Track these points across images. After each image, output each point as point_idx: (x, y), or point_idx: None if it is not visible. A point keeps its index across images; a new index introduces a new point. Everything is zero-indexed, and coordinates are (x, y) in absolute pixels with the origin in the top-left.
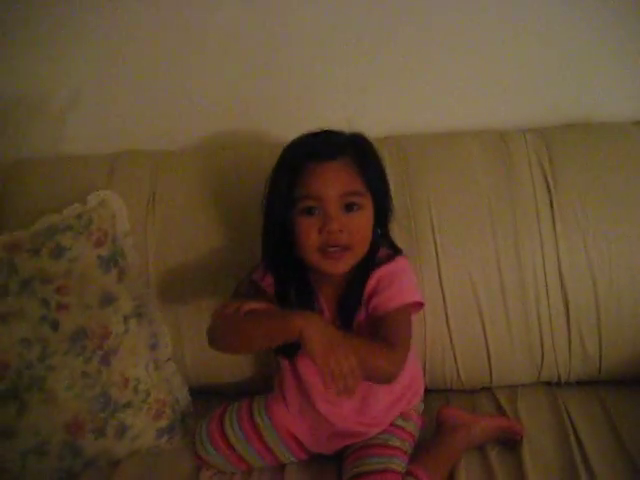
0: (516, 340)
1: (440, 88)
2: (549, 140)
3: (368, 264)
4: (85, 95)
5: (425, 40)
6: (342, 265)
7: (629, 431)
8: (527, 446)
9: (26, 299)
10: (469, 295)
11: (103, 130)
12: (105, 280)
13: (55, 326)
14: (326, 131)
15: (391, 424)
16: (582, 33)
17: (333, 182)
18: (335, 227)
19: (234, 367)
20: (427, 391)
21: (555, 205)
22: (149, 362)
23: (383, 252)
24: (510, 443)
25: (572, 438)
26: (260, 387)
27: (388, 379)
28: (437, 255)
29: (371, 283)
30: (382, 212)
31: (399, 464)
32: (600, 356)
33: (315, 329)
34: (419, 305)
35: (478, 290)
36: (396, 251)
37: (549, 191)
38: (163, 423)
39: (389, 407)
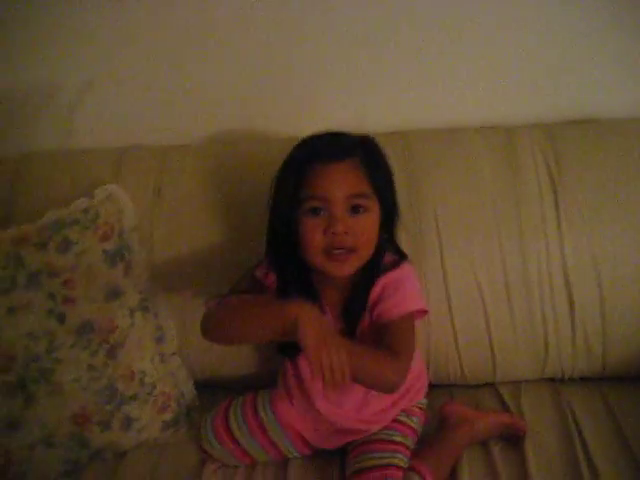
0: (520, 336)
1: (445, 84)
2: (555, 137)
3: (374, 269)
4: (94, 89)
5: (430, 35)
6: (347, 268)
7: (632, 428)
8: (530, 442)
9: (33, 292)
10: (473, 291)
11: (110, 124)
12: (111, 274)
13: (62, 319)
14: (335, 132)
15: (394, 419)
16: (589, 29)
17: (340, 183)
18: (340, 229)
19: (239, 361)
20: (431, 386)
21: (560, 202)
22: (155, 355)
23: (388, 257)
24: (513, 439)
25: (575, 435)
26: (265, 381)
27: (391, 388)
28: (441, 251)
29: (376, 290)
30: (388, 216)
31: (401, 459)
32: (604, 353)
33: (309, 319)
34: (423, 312)
35: (482, 285)
36: (401, 256)
37: (554, 188)
38: (168, 416)
39: (391, 406)
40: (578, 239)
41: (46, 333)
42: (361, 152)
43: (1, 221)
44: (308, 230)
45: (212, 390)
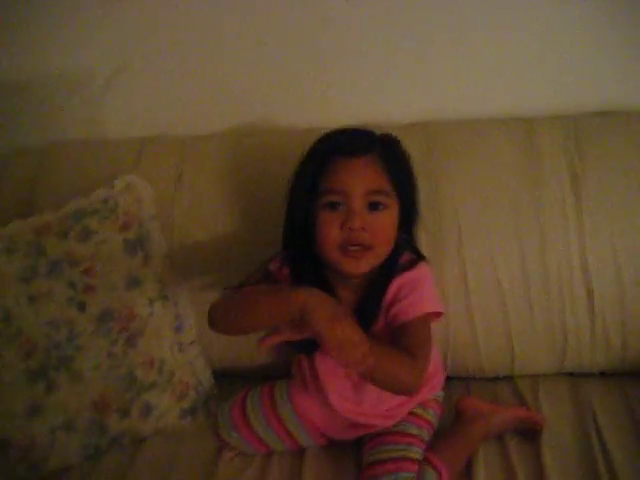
0: (539, 330)
1: (466, 74)
2: (577, 129)
3: (390, 269)
4: (123, 78)
5: (451, 25)
6: (363, 265)
7: None
8: (547, 437)
9: (54, 281)
10: (492, 284)
11: (137, 114)
12: (131, 263)
13: (82, 308)
14: (358, 128)
15: (410, 412)
16: (614, 20)
17: (359, 178)
18: (357, 224)
19: (257, 351)
20: (449, 379)
21: (581, 194)
22: (174, 344)
23: (405, 257)
24: (530, 433)
25: (593, 430)
26: (282, 371)
27: (408, 390)
28: (460, 243)
29: (392, 290)
30: (407, 216)
31: (416, 452)
32: (623, 347)
33: (318, 302)
34: (438, 315)
35: (501, 278)
36: (419, 257)
37: (576, 180)
38: (186, 404)
39: (407, 400)
40: (599, 232)
41: (67, 321)
42: (382, 149)
43: (23, 211)
44: (325, 224)
45: (230, 379)
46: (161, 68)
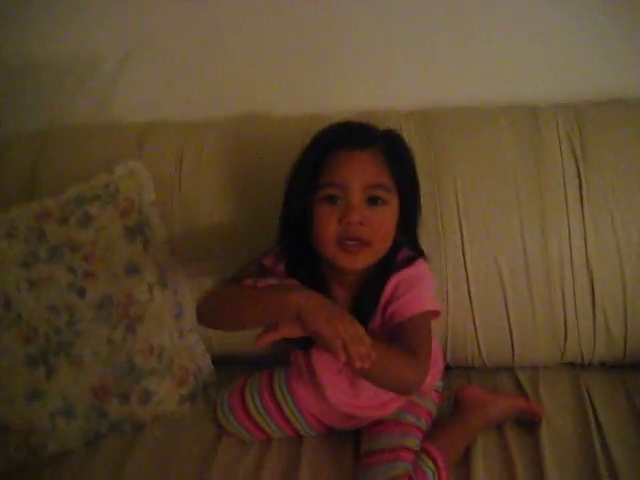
0: (539, 320)
1: (469, 61)
2: (580, 117)
3: (387, 266)
4: (131, 63)
5: (453, 11)
6: (360, 261)
7: None
8: (546, 428)
9: (54, 266)
10: (493, 273)
11: (145, 99)
12: (131, 249)
13: (82, 293)
14: (360, 122)
15: (408, 401)
16: (617, 9)
17: (360, 172)
18: (356, 218)
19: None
20: (449, 368)
21: (584, 183)
22: (173, 331)
23: (403, 253)
24: (529, 424)
25: (592, 421)
26: (281, 358)
27: (410, 390)
28: (461, 232)
29: (389, 287)
30: (408, 212)
31: (413, 441)
32: (625, 338)
33: (314, 303)
34: (436, 314)
35: (502, 268)
36: (418, 253)
37: (578, 169)
38: (186, 390)
39: None
40: (601, 221)
41: (67, 307)
42: (385, 144)
43: (25, 196)
44: (323, 218)
45: (229, 366)
46: (165, 55)
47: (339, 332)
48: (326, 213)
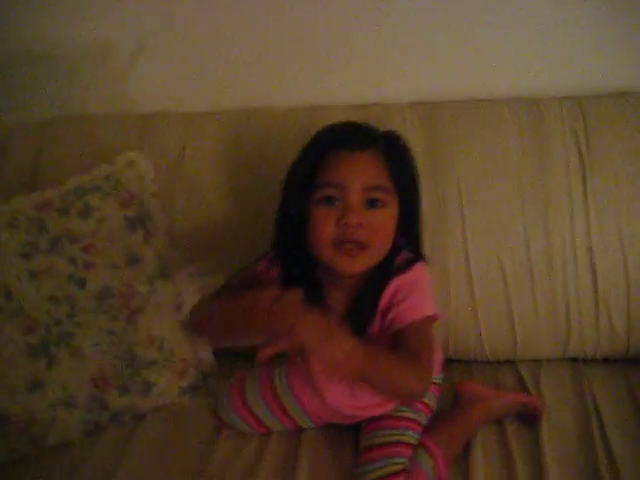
0: (542, 314)
1: (473, 53)
2: (584, 110)
3: (386, 270)
4: (144, 53)
5: (456, 4)
6: (357, 264)
7: None
8: (546, 423)
9: (55, 257)
10: (495, 267)
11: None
12: (131, 240)
13: (82, 284)
14: (361, 123)
15: None
16: (621, 2)
17: (359, 174)
18: (354, 220)
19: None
20: (450, 361)
21: (587, 177)
22: (174, 322)
23: (401, 256)
24: (530, 419)
25: (593, 417)
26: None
27: (414, 397)
28: (463, 226)
29: (388, 293)
30: (408, 216)
31: (411, 436)
32: (628, 333)
33: (307, 323)
34: (434, 319)
35: (504, 261)
36: (417, 256)
37: (582, 162)
38: (186, 382)
39: None
40: (604, 215)
41: (67, 298)
42: (384, 145)
43: (26, 186)
44: (319, 219)
45: (230, 358)
46: (170, 46)
47: (332, 353)
48: (323, 214)
